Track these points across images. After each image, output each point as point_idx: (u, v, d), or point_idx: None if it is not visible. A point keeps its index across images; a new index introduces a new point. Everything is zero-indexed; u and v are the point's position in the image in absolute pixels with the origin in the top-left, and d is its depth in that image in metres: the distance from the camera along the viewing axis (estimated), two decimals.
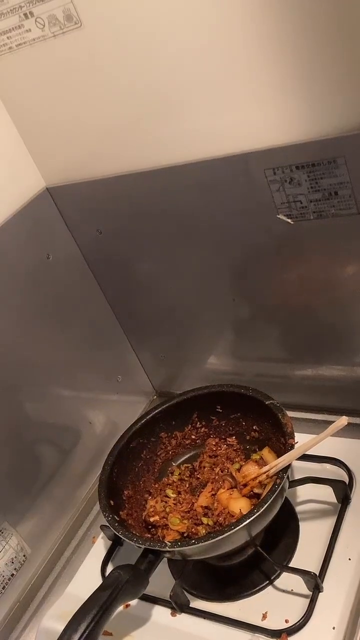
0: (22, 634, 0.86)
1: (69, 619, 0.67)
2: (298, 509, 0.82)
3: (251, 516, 0.69)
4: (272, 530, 0.78)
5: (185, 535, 0.79)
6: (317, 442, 0.72)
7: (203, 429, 0.93)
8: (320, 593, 0.71)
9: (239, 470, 0.83)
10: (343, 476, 0.82)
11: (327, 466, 0.84)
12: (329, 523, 0.78)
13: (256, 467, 0.80)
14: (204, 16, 0.66)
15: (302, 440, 0.75)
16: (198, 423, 0.93)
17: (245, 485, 0.79)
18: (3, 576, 0.86)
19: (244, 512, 0.74)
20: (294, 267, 0.82)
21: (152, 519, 0.82)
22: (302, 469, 0.83)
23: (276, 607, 0.73)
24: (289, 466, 0.74)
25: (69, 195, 0.90)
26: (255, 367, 0.98)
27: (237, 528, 0.68)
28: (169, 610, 0.77)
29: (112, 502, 0.80)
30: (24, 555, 0.89)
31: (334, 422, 0.70)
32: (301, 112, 0.68)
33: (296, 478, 0.81)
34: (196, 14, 0.66)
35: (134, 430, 0.89)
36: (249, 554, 0.78)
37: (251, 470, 0.80)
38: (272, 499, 0.70)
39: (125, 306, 1.02)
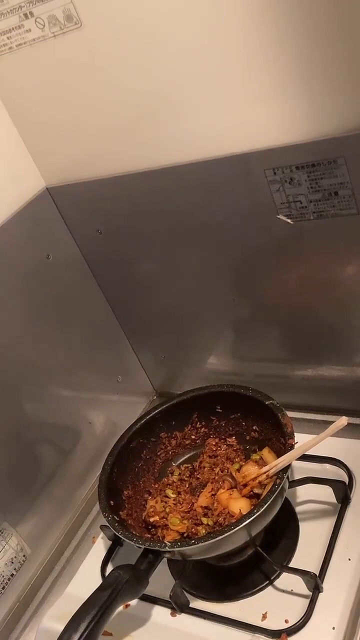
0: (22, 634, 0.86)
1: (69, 619, 0.67)
2: (298, 509, 0.82)
3: (251, 516, 0.69)
4: (272, 530, 0.78)
5: (185, 535, 0.79)
6: (317, 442, 0.72)
7: (203, 429, 0.93)
8: (320, 593, 0.71)
9: (238, 470, 0.83)
10: (343, 476, 0.82)
11: (327, 466, 0.84)
12: (329, 523, 0.78)
13: (256, 467, 0.80)
14: (204, 16, 0.66)
15: (302, 440, 0.75)
16: (198, 423, 0.93)
17: (245, 485, 0.79)
18: (3, 576, 0.86)
19: (244, 513, 0.74)
20: (294, 267, 0.82)
21: (152, 519, 0.82)
22: (302, 469, 0.83)
23: (276, 607, 0.73)
24: (289, 466, 0.74)
25: (69, 195, 0.90)
26: (255, 367, 0.98)
27: (237, 528, 0.68)
28: (168, 611, 0.77)
29: (112, 502, 0.80)
30: (24, 556, 0.89)
31: (334, 422, 0.70)
32: (301, 112, 0.68)
33: (296, 478, 0.81)
34: (196, 14, 0.66)
35: (134, 430, 0.89)
36: (248, 554, 0.78)
37: (251, 470, 0.80)
38: (272, 499, 0.70)
39: (125, 306, 1.02)
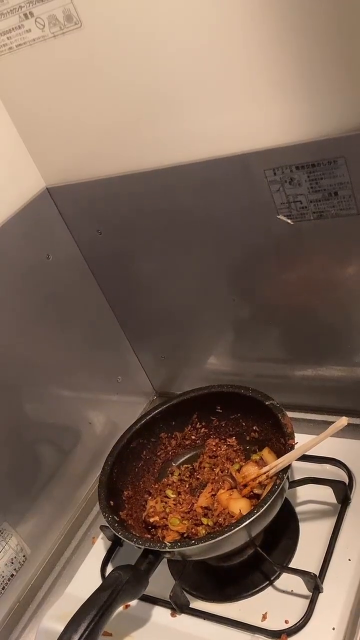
0: (22, 635, 0.86)
1: (69, 619, 0.67)
2: (298, 509, 0.82)
3: (251, 517, 0.69)
4: (272, 530, 0.78)
5: (185, 535, 0.79)
6: (317, 442, 0.72)
7: (203, 429, 0.93)
8: (320, 594, 0.71)
9: (238, 470, 0.83)
10: (343, 477, 0.82)
11: (327, 467, 0.84)
12: (329, 524, 0.78)
13: (256, 467, 0.80)
14: (204, 16, 0.66)
15: (302, 440, 0.75)
16: (198, 423, 0.93)
17: (245, 485, 0.79)
18: (3, 576, 0.86)
19: (244, 513, 0.74)
20: (294, 267, 0.82)
21: (152, 520, 0.82)
22: (302, 469, 0.83)
23: (276, 607, 0.73)
24: (289, 467, 0.74)
25: (69, 195, 0.90)
26: (255, 367, 0.98)
27: (237, 528, 0.68)
28: (168, 611, 0.77)
29: (112, 503, 0.80)
30: (24, 556, 0.89)
31: (334, 422, 0.69)
32: (301, 112, 0.68)
33: (296, 478, 0.81)
34: (196, 14, 0.66)
35: (134, 430, 0.89)
36: (248, 554, 0.78)
37: (251, 470, 0.80)
38: (272, 499, 0.70)
39: (125, 306, 1.02)
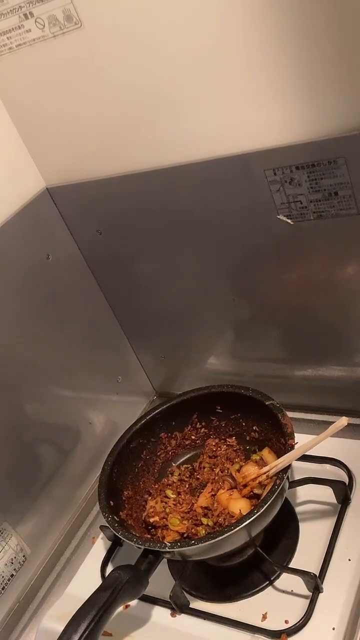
0: (22, 635, 0.86)
1: (69, 619, 0.67)
2: (298, 509, 0.82)
3: (251, 517, 0.69)
4: (272, 530, 0.78)
5: (185, 535, 0.79)
6: (317, 442, 0.72)
7: (203, 429, 0.93)
8: (320, 594, 0.71)
9: (238, 470, 0.83)
10: (343, 477, 0.82)
11: (327, 467, 0.84)
12: (329, 524, 0.78)
13: (256, 467, 0.80)
14: (204, 16, 0.66)
15: (302, 440, 0.75)
16: (198, 423, 0.93)
17: (245, 485, 0.79)
18: (3, 577, 0.86)
19: (244, 513, 0.74)
20: (294, 267, 0.82)
21: (152, 520, 0.82)
22: (302, 469, 0.83)
23: (276, 607, 0.73)
24: (289, 467, 0.74)
25: (69, 195, 0.90)
26: (255, 367, 0.98)
27: (237, 528, 0.68)
28: (168, 611, 0.77)
29: (111, 503, 0.80)
30: (24, 556, 0.89)
31: (334, 422, 0.69)
32: (301, 112, 0.68)
33: (296, 478, 0.81)
34: (196, 14, 0.66)
35: (134, 430, 0.89)
36: (248, 554, 0.78)
37: (251, 470, 0.80)
38: (272, 499, 0.70)
39: (125, 306, 1.02)
